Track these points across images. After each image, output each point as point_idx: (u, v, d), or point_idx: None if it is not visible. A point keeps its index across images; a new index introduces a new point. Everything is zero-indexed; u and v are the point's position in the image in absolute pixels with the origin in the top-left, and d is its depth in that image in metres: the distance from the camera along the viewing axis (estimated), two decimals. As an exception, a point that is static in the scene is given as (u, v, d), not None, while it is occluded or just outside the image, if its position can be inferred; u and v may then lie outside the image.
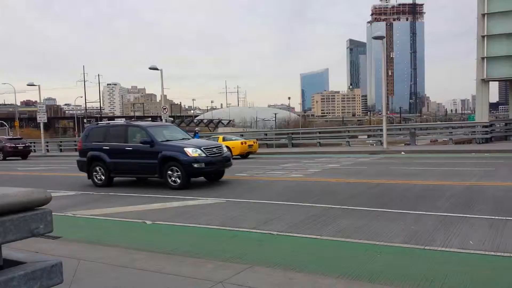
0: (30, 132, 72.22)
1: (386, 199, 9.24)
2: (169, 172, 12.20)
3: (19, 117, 75.83)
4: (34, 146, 42.35)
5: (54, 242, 6.45)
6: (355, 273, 4.70)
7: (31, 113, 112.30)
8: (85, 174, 14.09)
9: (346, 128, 37.96)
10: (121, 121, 15.62)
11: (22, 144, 31.66)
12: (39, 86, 39.92)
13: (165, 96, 37.00)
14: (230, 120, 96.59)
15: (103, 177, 13.54)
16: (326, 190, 10.94)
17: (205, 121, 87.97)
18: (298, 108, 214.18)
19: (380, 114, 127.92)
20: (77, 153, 15.51)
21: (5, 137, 35.08)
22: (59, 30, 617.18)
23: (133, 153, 12.91)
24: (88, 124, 22.74)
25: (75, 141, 43.72)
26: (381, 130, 27.57)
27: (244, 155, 24.24)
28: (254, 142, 25.11)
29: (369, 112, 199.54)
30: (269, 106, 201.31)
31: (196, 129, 42.32)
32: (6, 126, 50.39)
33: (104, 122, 16.43)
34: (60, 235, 6.81)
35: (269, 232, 6.84)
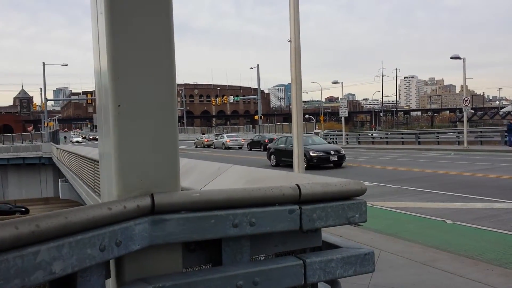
0: (332, 125, 79.62)
1: None
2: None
3: (324, 112, 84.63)
4: (336, 138, 46.48)
5: (355, 229, 6.88)
6: None
7: (333, 108, 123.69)
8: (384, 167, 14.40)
9: None
10: None
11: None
12: (341, 83, 43.51)
13: (466, 86, 34.07)
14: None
15: None
16: None
17: (514, 113, 76.26)
18: None
19: None
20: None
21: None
22: (359, 28, 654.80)
23: None
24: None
25: (372, 134, 45.78)
26: None
27: None
28: None
29: None
30: None
31: None
32: (313, 120, 57.12)
33: None
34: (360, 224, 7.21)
35: None
